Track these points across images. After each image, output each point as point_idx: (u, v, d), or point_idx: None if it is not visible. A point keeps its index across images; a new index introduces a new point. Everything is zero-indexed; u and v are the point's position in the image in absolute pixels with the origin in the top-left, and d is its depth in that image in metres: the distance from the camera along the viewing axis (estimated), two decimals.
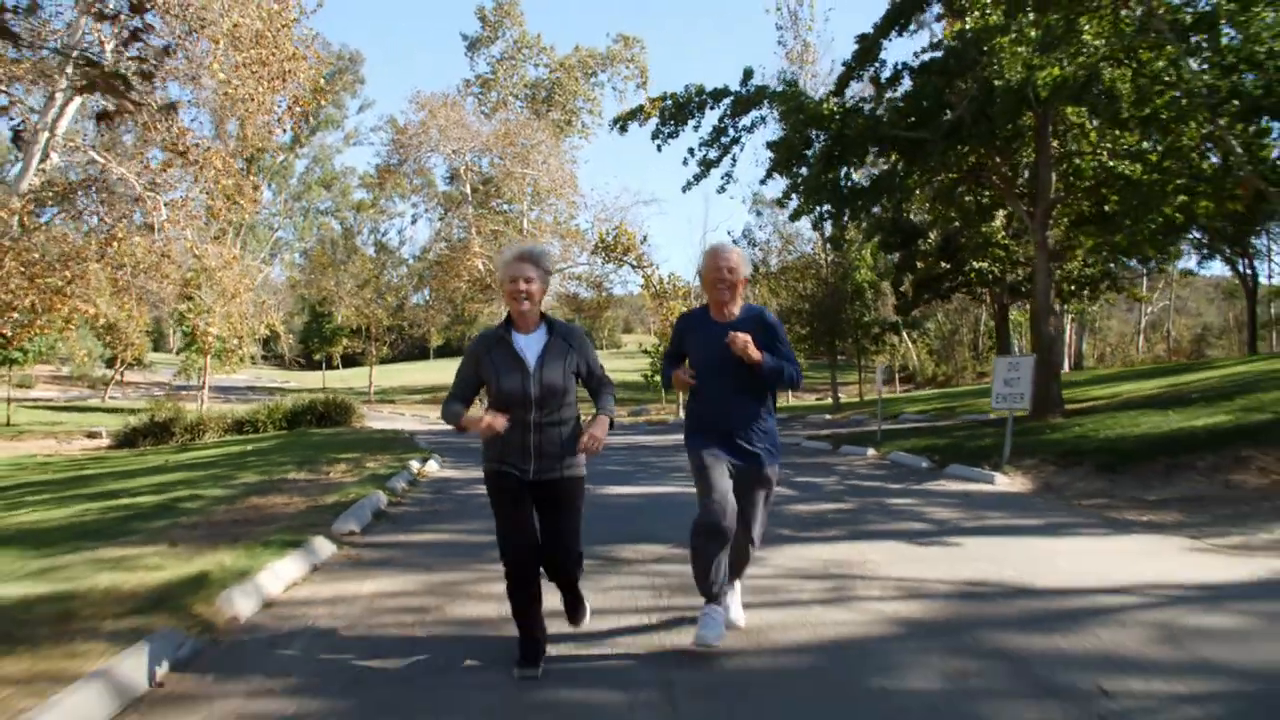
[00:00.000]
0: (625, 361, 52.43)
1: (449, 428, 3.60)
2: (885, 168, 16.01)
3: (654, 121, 16.31)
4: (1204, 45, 11.51)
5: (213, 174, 20.50)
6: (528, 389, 3.50)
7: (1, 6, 4.25)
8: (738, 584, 4.13)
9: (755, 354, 3.67)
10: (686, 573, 3.99)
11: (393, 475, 9.58)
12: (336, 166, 58.78)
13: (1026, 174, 16.09)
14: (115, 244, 20.13)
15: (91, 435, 28.11)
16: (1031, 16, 12.25)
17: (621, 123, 16.76)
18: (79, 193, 20.44)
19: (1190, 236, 29.79)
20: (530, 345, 3.59)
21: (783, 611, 4.36)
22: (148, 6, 5.38)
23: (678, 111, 16.10)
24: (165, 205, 20.93)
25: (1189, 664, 3.68)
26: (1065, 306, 37.11)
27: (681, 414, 32.17)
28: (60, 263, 20.16)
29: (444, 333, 62.67)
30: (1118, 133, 13.91)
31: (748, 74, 15.94)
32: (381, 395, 46.13)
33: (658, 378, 36.99)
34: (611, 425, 3.65)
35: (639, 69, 55.15)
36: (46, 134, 19.89)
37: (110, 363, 43.72)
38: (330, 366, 61.95)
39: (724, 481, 3.74)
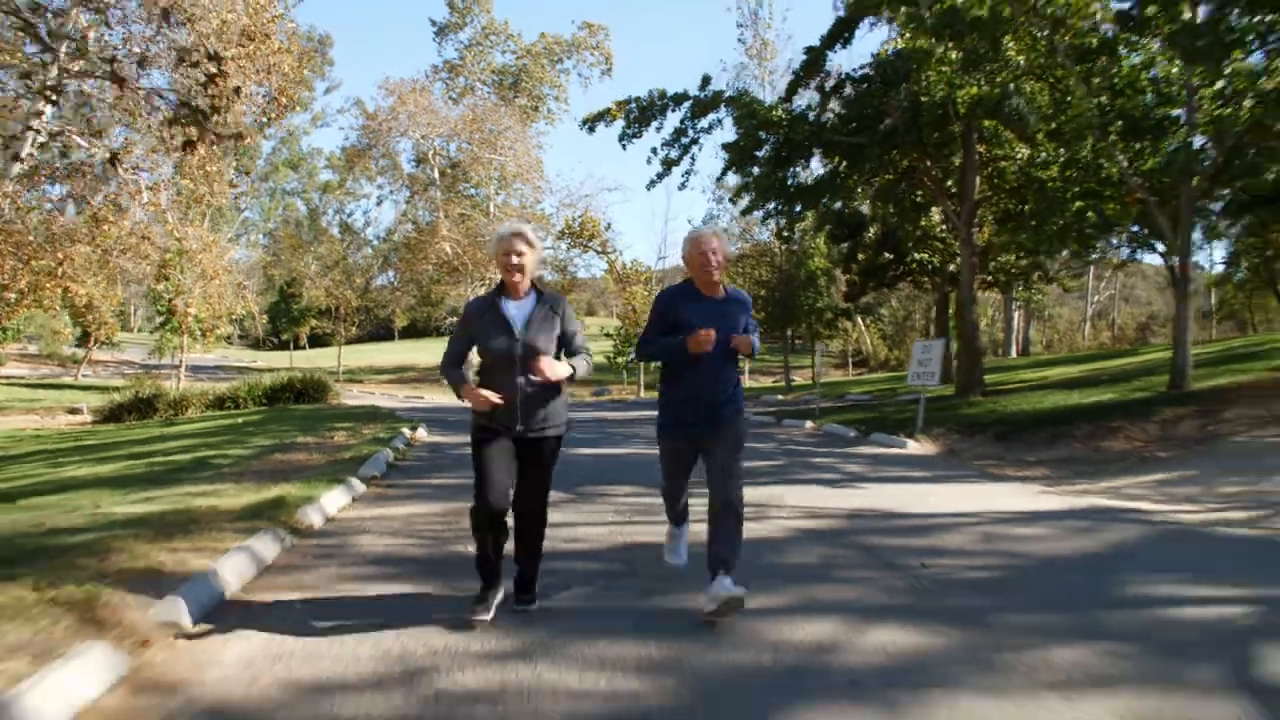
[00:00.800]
0: (593, 344, 53.75)
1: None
2: (830, 168, 17.60)
3: (620, 123, 17.72)
4: (1101, 69, 13.22)
5: (196, 159, 21.41)
6: (513, 350, 3.80)
7: (118, 75, 5.58)
8: (724, 577, 3.77)
9: (748, 345, 4.11)
10: (645, 503, 5.45)
11: (391, 438, 11.01)
12: (304, 148, 59.27)
13: (956, 176, 17.80)
14: (102, 226, 21.19)
15: (72, 411, 28.86)
16: (950, 44, 13.86)
17: (590, 123, 18.12)
18: (71, 176, 21.42)
19: (1130, 229, 31.85)
20: (519, 311, 3.90)
21: None
22: (224, 56, 6.62)
23: (641, 114, 17.53)
24: (147, 189, 21.96)
25: (990, 552, 5.32)
26: (1013, 296, 39.19)
27: (643, 394, 33.71)
28: (51, 245, 21.17)
29: (409, 314, 63.71)
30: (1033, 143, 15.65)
31: (706, 80, 17.44)
32: (350, 375, 47.03)
33: (619, 359, 38.52)
34: (572, 378, 3.93)
35: (604, 55, 56.33)
36: (36, 120, 20.81)
37: (81, 341, 44.17)
38: (297, 346, 62.60)
39: (681, 476, 4.37)
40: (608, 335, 39.77)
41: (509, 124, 45.63)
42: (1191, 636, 3.65)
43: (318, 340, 65.16)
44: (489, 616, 3.75)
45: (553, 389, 3.89)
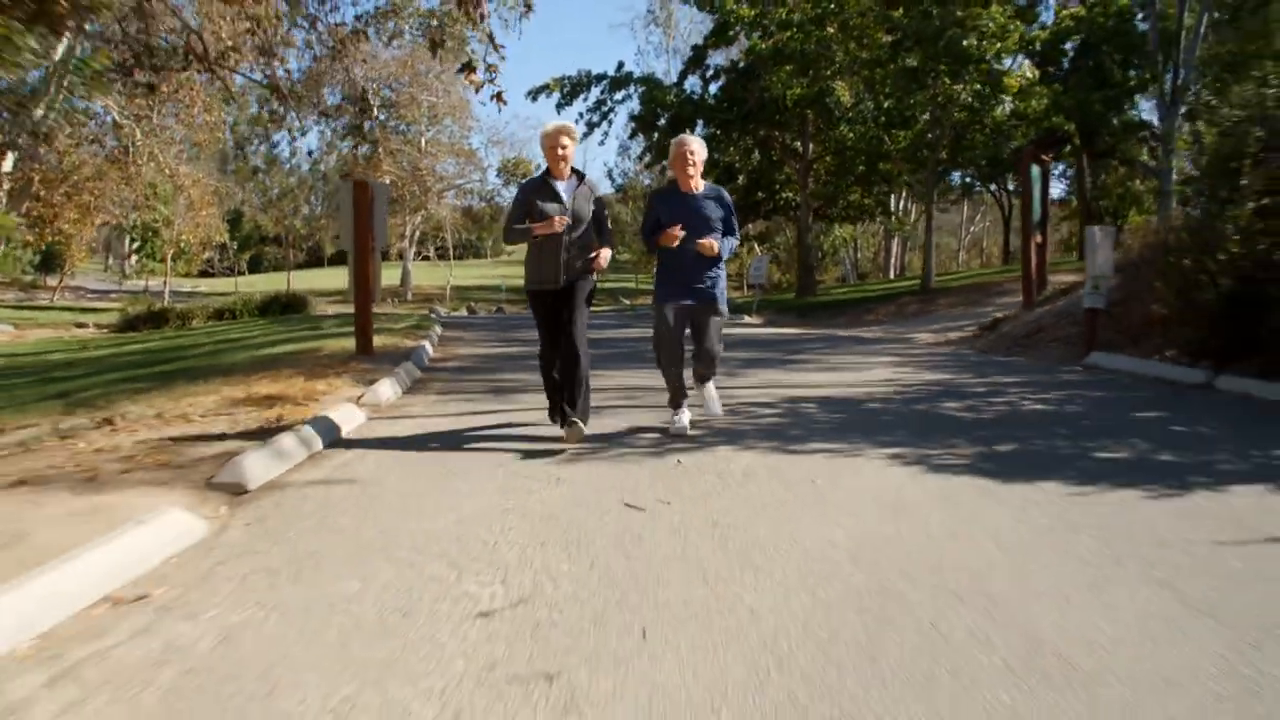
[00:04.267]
0: (517, 268, 59.40)
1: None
2: (709, 133, 24.12)
3: (556, 95, 23.79)
4: (882, 76, 19.98)
5: (196, 109, 26.83)
6: (564, 215, 4.56)
7: (325, 112, 11.66)
8: (711, 386, 5.25)
9: (716, 249, 4.80)
10: (600, 334, 12.07)
11: (427, 318, 17.27)
12: (239, 82, 62.12)
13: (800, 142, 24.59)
14: (116, 167, 26.53)
15: (79, 326, 33.53)
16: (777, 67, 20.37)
17: (534, 95, 24.09)
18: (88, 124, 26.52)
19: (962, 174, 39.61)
20: (565, 188, 4.68)
21: (618, 344, 12.54)
22: (372, 102, 12.51)
23: (572, 89, 23.62)
24: (145, 134, 27.27)
25: (744, 338, 12.14)
26: (889, 228, 46.72)
27: None
28: (86, 183, 26.36)
29: (337, 242, 68.26)
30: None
31: (620, 65, 23.66)
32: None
33: None
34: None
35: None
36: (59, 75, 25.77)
37: (39, 267, 47.84)
38: (239, 272, 66.65)
39: (673, 324, 4.88)
40: None
41: (439, 68, 50.32)
42: (777, 350, 10.48)
43: (254, 266, 69.04)
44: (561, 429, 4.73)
45: (586, 250, 4.71)
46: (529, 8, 10.15)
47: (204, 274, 53.20)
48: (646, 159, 25.10)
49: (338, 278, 67.78)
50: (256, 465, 3.95)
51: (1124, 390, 6.77)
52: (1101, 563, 2.76)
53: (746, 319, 18.12)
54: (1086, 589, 2.52)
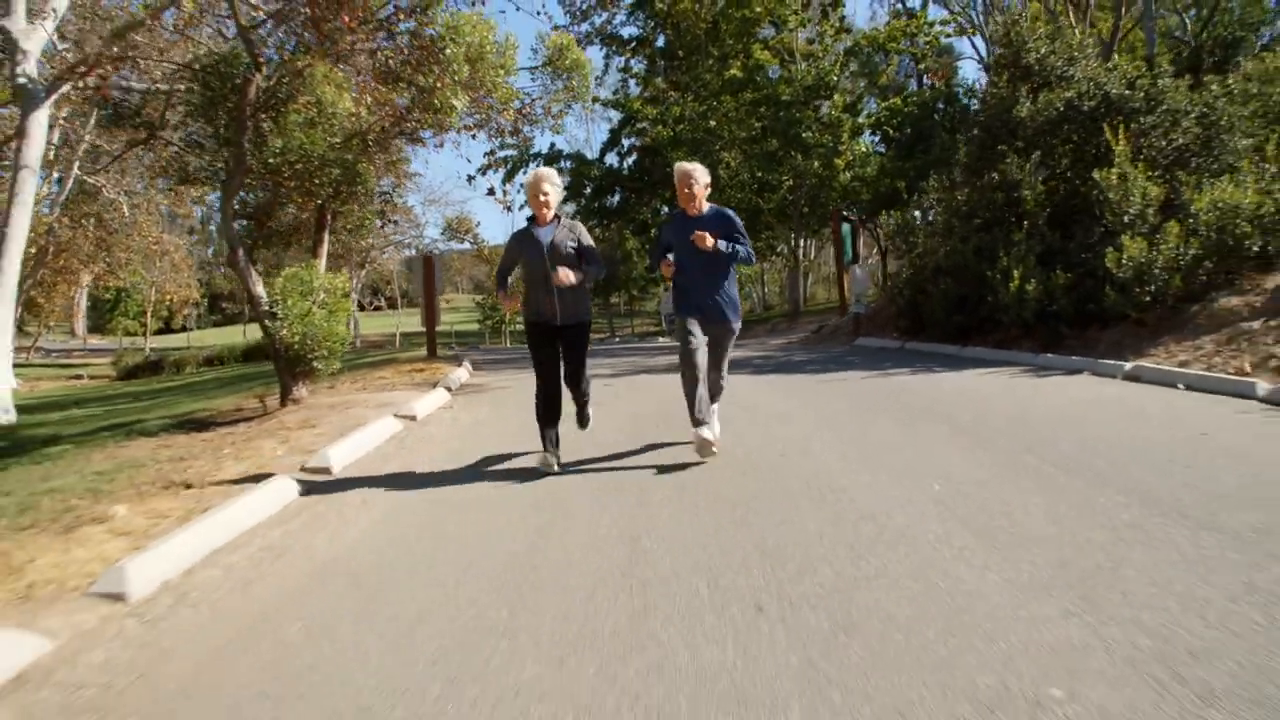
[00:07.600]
0: (457, 314, 64.39)
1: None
2: (626, 197, 30.24)
3: (502, 172, 29.53)
4: (758, 153, 26.31)
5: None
6: (544, 264, 5.08)
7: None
8: (715, 408, 5.57)
9: (710, 242, 4.93)
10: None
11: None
12: None
13: None
14: (112, 234, 31.27)
15: (75, 378, 37.41)
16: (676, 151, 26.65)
17: (482, 170, 29.74)
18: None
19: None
20: (546, 234, 5.12)
21: None
22: (396, 203, 18.18)
23: (513, 167, 29.42)
24: (133, 208, 31.91)
25: (657, 348, 18.04)
26: (789, 265, 53.62)
27: (507, 343, 45.56)
28: (82, 261, 30.98)
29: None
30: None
31: (552, 146, 29.68)
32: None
33: (488, 322, 50.10)
34: (584, 281, 5.14)
35: None
36: (77, 165, 30.40)
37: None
38: (186, 329, 70.05)
39: (698, 334, 5.15)
40: (479, 304, 51.11)
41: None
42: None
43: (199, 323, 72.39)
44: (557, 468, 5.19)
45: (578, 291, 5.16)
46: (518, 132, 15.40)
47: (158, 331, 56.89)
48: (577, 219, 31.17)
49: (255, 333, 71.56)
50: (453, 382, 9.66)
51: (853, 353, 12.85)
52: (774, 391, 8.72)
53: (660, 340, 24.06)
54: (768, 392, 8.44)
